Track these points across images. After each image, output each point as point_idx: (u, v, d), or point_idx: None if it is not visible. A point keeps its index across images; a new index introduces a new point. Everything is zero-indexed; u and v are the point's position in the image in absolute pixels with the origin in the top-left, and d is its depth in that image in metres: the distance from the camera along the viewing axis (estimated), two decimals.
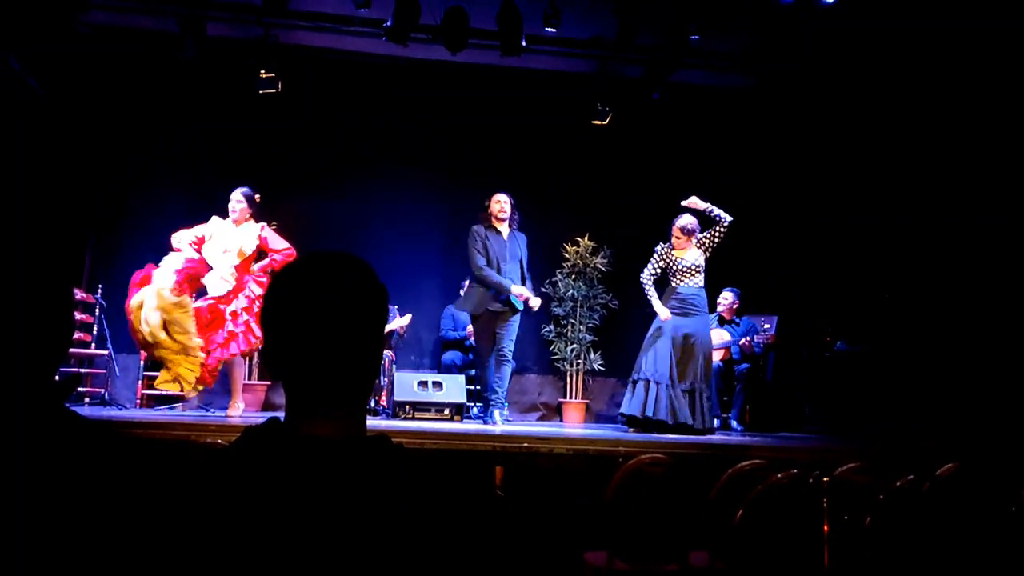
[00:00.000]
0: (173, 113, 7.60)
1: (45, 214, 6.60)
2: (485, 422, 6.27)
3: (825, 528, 2.78)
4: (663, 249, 6.27)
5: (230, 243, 5.81)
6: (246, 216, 5.89)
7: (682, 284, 6.19)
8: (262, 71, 7.42)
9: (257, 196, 5.97)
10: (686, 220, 6.24)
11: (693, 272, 6.19)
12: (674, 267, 6.22)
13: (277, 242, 5.88)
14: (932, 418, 6.33)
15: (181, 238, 5.78)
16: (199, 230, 5.84)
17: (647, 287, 6.22)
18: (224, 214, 5.89)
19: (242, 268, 5.81)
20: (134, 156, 7.64)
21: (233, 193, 5.90)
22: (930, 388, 6.56)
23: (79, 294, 6.90)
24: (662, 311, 6.12)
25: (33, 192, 6.37)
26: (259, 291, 5.77)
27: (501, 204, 6.40)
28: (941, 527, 2.90)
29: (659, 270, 6.25)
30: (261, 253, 5.91)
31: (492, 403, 6.27)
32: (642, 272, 6.26)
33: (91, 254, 7.59)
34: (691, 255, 6.22)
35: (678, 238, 6.23)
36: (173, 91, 7.55)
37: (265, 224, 5.96)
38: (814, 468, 2.98)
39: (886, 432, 6.53)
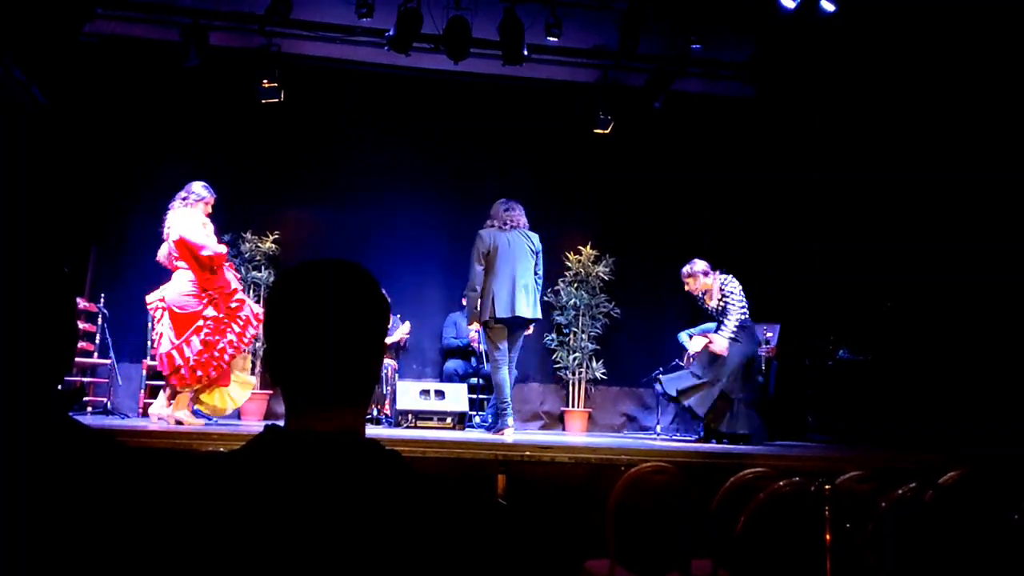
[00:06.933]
0: (176, 122, 7.62)
1: (48, 223, 6.60)
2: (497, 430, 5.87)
3: (827, 536, 2.77)
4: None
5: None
6: None
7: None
8: (264, 80, 7.43)
9: None
10: (683, 269, 6.49)
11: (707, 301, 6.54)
12: (698, 302, 6.62)
13: None
14: (935, 426, 6.31)
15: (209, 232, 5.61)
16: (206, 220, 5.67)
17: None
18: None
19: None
20: (137, 165, 7.65)
21: (207, 188, 5.65)
22: (933, 396, 6.54)
23: (82, 303, 6.91)
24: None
25: (36, 201, 6.38)
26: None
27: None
28: (944, 536, 2.90)
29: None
30: None
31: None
32: None
33: (94, 263, 7.60)
34: (702, 290, 6.52)
35: (686, 283, 6.53)
36: (176, 100, 7.57)
37: None
38: (816, 476, 2.97)
39: (889, 439, 6.51)
